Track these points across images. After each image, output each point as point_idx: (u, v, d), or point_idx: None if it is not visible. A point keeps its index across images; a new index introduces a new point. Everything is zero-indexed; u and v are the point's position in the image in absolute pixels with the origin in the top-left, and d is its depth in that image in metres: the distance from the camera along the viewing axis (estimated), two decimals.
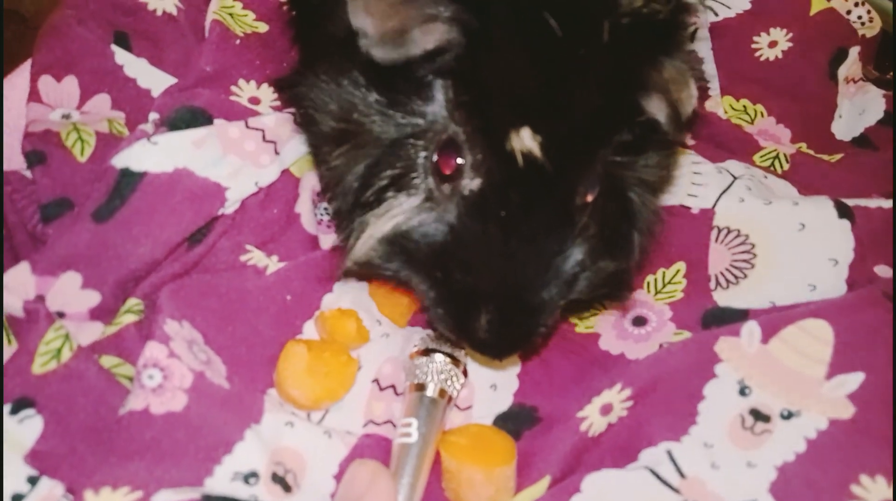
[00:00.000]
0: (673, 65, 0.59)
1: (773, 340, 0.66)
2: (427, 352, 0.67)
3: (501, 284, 0.57)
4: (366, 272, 0.66)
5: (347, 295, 0.71)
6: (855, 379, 0.62)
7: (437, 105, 0.60)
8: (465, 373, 0.68)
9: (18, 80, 0.76)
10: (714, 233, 0.79)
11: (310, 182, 0.76)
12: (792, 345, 0.65)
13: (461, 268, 0.57)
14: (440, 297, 0.59)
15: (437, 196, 0.59)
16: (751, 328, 0.66)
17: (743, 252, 0.77)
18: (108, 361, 0.59)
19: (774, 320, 0.67)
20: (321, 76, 0.65)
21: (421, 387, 0.66)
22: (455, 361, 0.67)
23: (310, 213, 0.75)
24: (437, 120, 0.60)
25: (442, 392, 0.66)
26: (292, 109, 0.76)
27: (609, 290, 0.65)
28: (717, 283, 0.76)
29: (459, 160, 0.58)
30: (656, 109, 0.60)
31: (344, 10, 0.59)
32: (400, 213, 0.60)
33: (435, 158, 0.59)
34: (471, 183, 0.58)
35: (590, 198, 0.61)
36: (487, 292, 0.57)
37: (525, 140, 0.55)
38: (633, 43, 0.57)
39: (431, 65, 0.59)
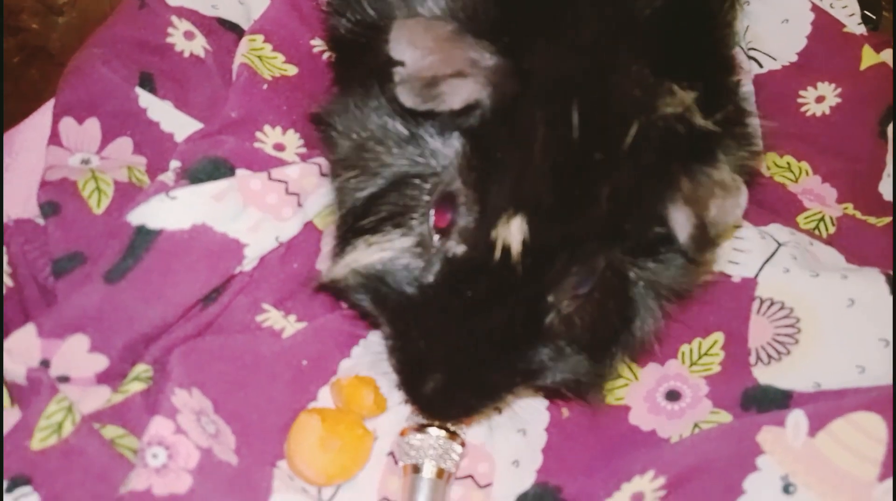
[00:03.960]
0: (712, 176, 0.55)
1: (820, 433, 0.61)
2: (420, 428, 0.63)
3: (452, 358, 0.55)
4: (338, 294, 0.65)
5: (366, 360, 0.68)
6: None
7: (453, 152, 0.58)
8: (462, 444, 0.64)
9: (41, 120, 0.74)
10: (756, 304, 0.74)
11: (331, 231, 0.73)
12: (841, 441, 0.60)
13: (421, 329, 0.56)
14: (396, 348, 0.58)
15: (428, 245, 0.58)
16: (797, 419, 0.62)
17: (787, 326, 0.72)
18: (111, 431, 0.57)
19: (822, 410, 0.62)
20: (349, 101, 0.64)
21: (417, 469, 0.62)
22: (451, 434, 0.63)
23: None
24: (448, 168, 0.58)
25: (440, 472, 0.62)
26: (318, 159, 0.73)
27: (578, 387, 0.62)
28: (758, 358, 0.72)
29: (454, 217, 0.56)
30: (678, 224, 0.56)
31: (386, 41, 0.57)
32: (389, 249, 0.59)
33: (434, 208, 0.58)
34: (455, 247, 0.56)
35: (581, 292, 0.57)
36: (437, 361, 0.55)
37: (512, 232, 0.52)
38: (663, 150, 0.54)
39: (455, 119, 0.57)
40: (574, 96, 0.52)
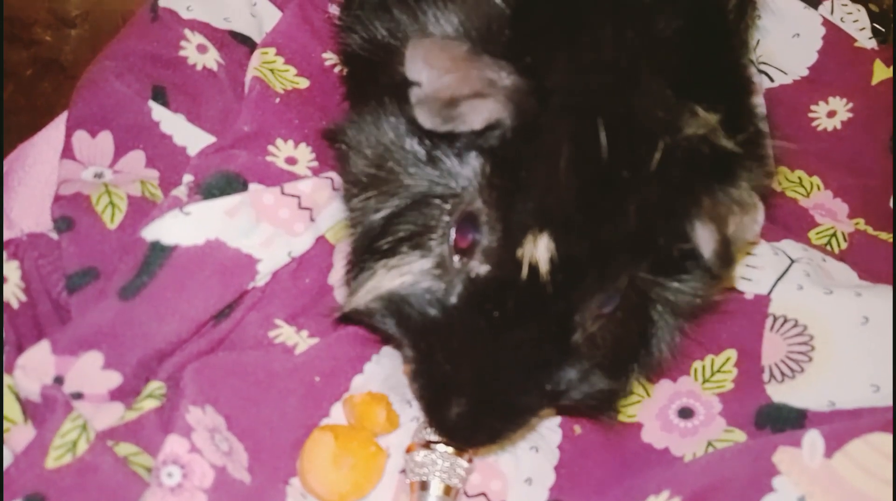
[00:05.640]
0: (732, 195, 0.56)
1: (837, 454, 0.60)
2: (427, 445, 0.62)
3: (479, 381, 0.54)
4: (361, 320, 0.65)
5: (378, 376, 0.68)
6: None
7: (472, 173, 0.58)
8: (469, 460, 0.64)
9: (54, 133, 0.74)
10: (769, 321, 0.74)
11: (345, 251, 0.73)
12: (858, 462, 0.60)
13: (445, 352, 0.55)
14: (420, 373, 0.57)
15: (448, 266, 0.57)
16: (813, 439, 0.61)
17: (800, 344, 0.72)
18: (125, 449, 0.56)
19: (839, 431, 0.61)
20: (365, 117, 0.64)
21: (424, 486, 0.61)
22: (458, 449, 0.62)
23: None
24: (468, 188, 0.58)
25: (447, 489, 0.62)
26: (330, 173, 0.73)
27: (596, 404, 0.62)
28: (772, 375, 0.71)
29: (476, 237, 0.56)
30: (703, 240, 0.56)
31: (399, 61, 0.57)
32: (409, 273, 0.58)
33: (454, 229, 0.57)
34: (479, 267, 0.55)
35: (605, 311, 0.57)
36: (463, 384, 0.55)
37: (539, 249, 0.52)
38: (687, 169, 0.54)
39: (475, 139, 0.57)
40: (598, 114, 0.52)
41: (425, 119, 0.54)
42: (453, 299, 0.56)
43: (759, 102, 0.94)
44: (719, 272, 0.58)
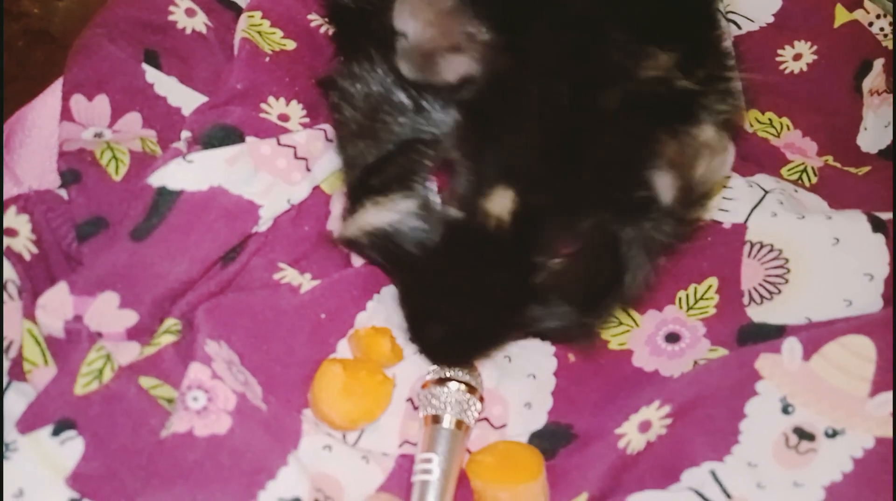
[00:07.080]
0: (698, 137, 0.59)
1: (814, 357, 0.65)
2: (441, 381, 0.65)
3: (451, 314, 0.61)
4: (353, 250, 0.70)
5: (381, 313, 0.71)
6: None
7: (453, 121, 0.61)
8: (481, 399, 0.67)
9: (50, 99, 0.76)
10: (746, 248, 0.78)
11: (341, 199, 0.75)
12: (834, 362, 0.64)
13: (423, 287, 0.62)
14: (403, 302, 0.64)
15: (431, 208, 0.62)
16: (791, 345, 0.66)
17: (777, 267, 0.76)
18: (145, 382, 0.59)
19: (815, 336, 0.66)
20: (354, 69, 0.67)
21: (437, 419, 0.64)
22: (471, 388, 0.66)
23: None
24: (448, 137, 0.61)
25: (459, 423, 0.64)
26: (323, 126, 0.76)
27: (571, 334, 0.67)
28: (751, 298, 0.75)
29: (453, 184, 0.60)
30: (663, 187, 0.60)
31: (386, 15, 0.60)
32: (395, 212, 0.62)
33: (435, 173, 0.61)
34: (454, 212, 0.60)
35: (568, 250, 0.62)
36: (438, 315, 0.61)
37: (502, 203, 0.56)
38: (647, 113, 0.57)
39: (451, 93, 0.60)
40: (564, 69, 0.56)
41: (406, 69, 0.59)
42: (433, 240, 0.61)
43: (726, 40, 0.98)
44: (683, 216, 0.62)
